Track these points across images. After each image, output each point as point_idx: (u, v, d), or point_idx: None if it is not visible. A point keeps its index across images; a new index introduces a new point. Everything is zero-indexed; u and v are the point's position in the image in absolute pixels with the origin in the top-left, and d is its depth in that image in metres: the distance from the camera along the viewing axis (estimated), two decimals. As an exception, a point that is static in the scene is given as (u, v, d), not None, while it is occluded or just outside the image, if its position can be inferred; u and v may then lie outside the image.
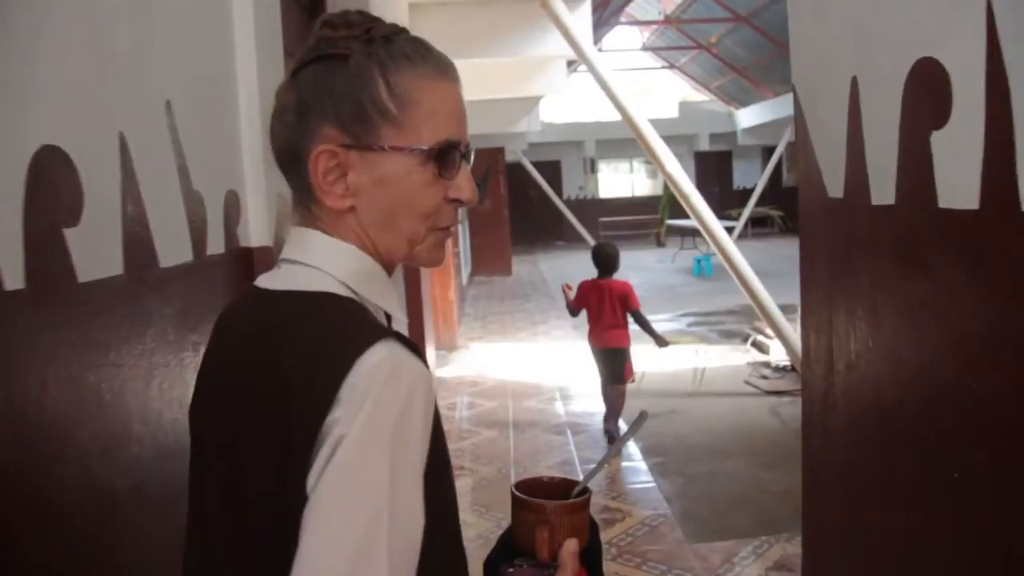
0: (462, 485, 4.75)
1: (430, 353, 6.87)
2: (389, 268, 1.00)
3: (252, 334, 0.92)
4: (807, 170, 2.16)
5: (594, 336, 5.47)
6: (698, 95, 23.81)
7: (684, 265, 15.56)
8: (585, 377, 7.02)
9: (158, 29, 1.64)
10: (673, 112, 23.65)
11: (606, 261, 5.49)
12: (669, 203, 18.97)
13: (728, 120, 22.87)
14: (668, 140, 6.56)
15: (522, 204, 20.90)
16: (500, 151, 15.54)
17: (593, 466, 1.18)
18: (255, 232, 2.11)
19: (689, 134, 22.81)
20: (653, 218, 21.26)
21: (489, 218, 15.39)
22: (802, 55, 2.19)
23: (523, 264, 17.73)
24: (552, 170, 22.95)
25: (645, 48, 21.81)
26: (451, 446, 5.53)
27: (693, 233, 15.86)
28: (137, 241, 1.46)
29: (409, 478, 0.82)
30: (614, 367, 5.37)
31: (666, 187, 20.96)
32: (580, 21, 6.46)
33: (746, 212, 18.76)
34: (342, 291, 0.93)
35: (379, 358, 0.83)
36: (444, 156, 0.94)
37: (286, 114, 0.96)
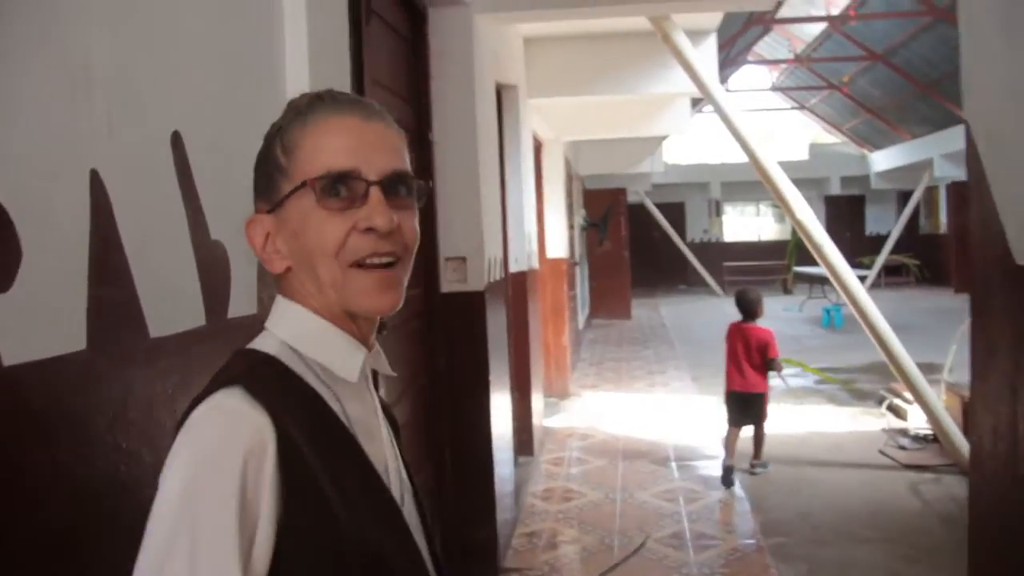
0: (564, 553, 4.38)
1: (537, 400, 6.55)
2: (347, 323, 0.97)
3: None
4: (983, 223, 1.77)
5: (734, 380, 5.67)
6: (829, 137, 22.90)
7: (812, 315, 14.73)
8: (703, 438, 6.56)
9: (164, 42, 1.39)
10: (803, 154, 22.82)
11: (749, 306, 5.71)
12: (797, 248, 18.17)
13: (861, 163, 21.87)
14: (797, 183, 6.12)
15: (644, 246, 20.46)
16: (622, 192, 15.21)
17: None
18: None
19: (819, 177, 21.89)
20: (780, 264, 20.41)
21: (609, 260, 15.04)
22: (981, 86, 1.79)
23: (643, 308, 17.24)
24: (676, 212, 22.44)
25: (774, 88, 21.15)
26: (555, 507, 5.39)
27: (822, 281, 15.05)
28: (112, 306, 1.20)
29: (207, 538, 0.78)
30: (756, 410, 5.63)
31: (794, 232, 20.13)
32: (705, 56, 6.09)
33: (880, 260, 17.78)
34: (274, 349, 0.94)
35: (207, 407, 0.85)
36: (329, 187, 0.92)
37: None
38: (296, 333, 0.96)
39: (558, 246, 8.96)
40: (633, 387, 9.06)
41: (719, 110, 5.82)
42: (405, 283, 0.99)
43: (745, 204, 24.55)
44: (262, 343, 0.96)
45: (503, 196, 5.85)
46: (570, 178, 10.89)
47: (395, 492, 0.98)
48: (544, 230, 8.68)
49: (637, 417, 7.51)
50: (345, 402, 0.96)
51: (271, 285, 1.11)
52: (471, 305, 4.10)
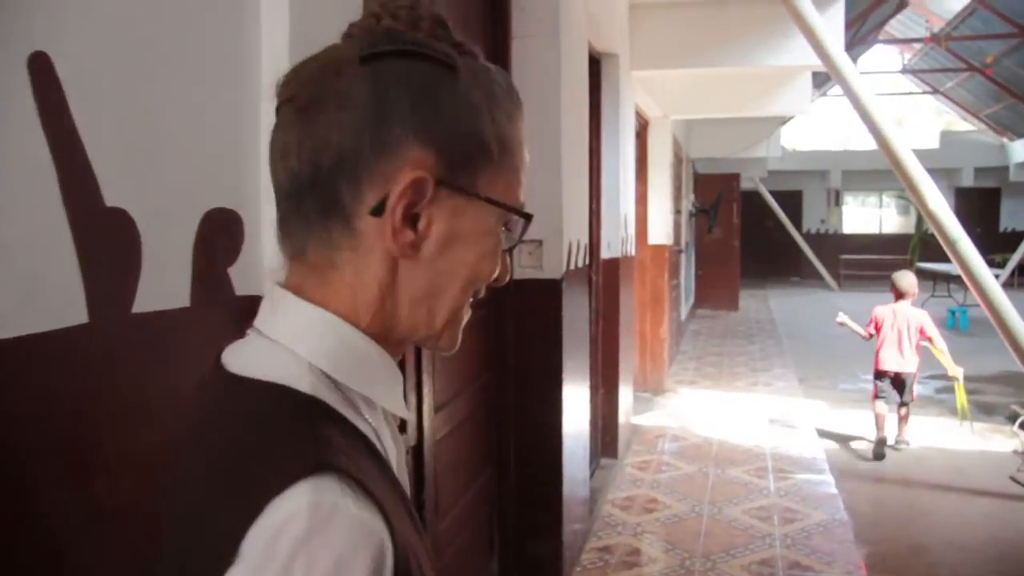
0: (637, 573, 3.94)
1: (625, 396, 6.09)
2: (395, 350, 0.76)
3: (187, 433, 0.72)
4: None
5: (890, 359, 5.97)
6: (963, 124, 21.37)
7: (935, 315, 13.69)
8: (806, 449, 5.97)
9: None
10: (933, 143, 21.33)
11: (907, 287, 6.05)
12: (921, 243, 17.00)
13: (999, 153, 20.31)
14: (927, 173, 5.41)
15: (756, 235, 19.57)
16: (735, 177, 14.47)
17: None
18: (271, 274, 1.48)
19: (951, 168, 20.39)
20: (901, 259, 19.14)
21: (718, 248, 14.37)
22: None
23: (752, 300, 16.47)
24: (792, 200, 21.37)
25: (905, 70, 19.77)
26: (634, 519, 4.91)
27: (948, 279, 13.98)
28: None
29: None
30: (908, 389, 6.01)
31: (919, 225, 18.97)
32: (831, 23, 5.43)
33: (1015, 258, 16.46)
34: (306, 381, 0.68)
35: (297, 507, 0.59)
36: (518, 220, 0.78)
37: (350, 113, 0.69)
38: (334, 355, 0.71)
39: (661, 232, 8.43)
40: (734, 385, 8.47)
41: (844, 85, 5.18)
42: None
43: (867, 194, 23.19)
44: (284, 372, 0.68)
45: (596, 176, 5.42)
46: (679, 160, 10.30)
47: None
48: (646, 215, 8.21)
49: (735, 419, 6.96)
50: (384, 440, 0.76)
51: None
52: (546, 294, 3.69)
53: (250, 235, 1.47)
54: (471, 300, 0.79)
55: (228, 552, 0.59)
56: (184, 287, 1.31)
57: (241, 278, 1.44)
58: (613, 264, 5.72)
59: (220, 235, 1.39)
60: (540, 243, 3.69)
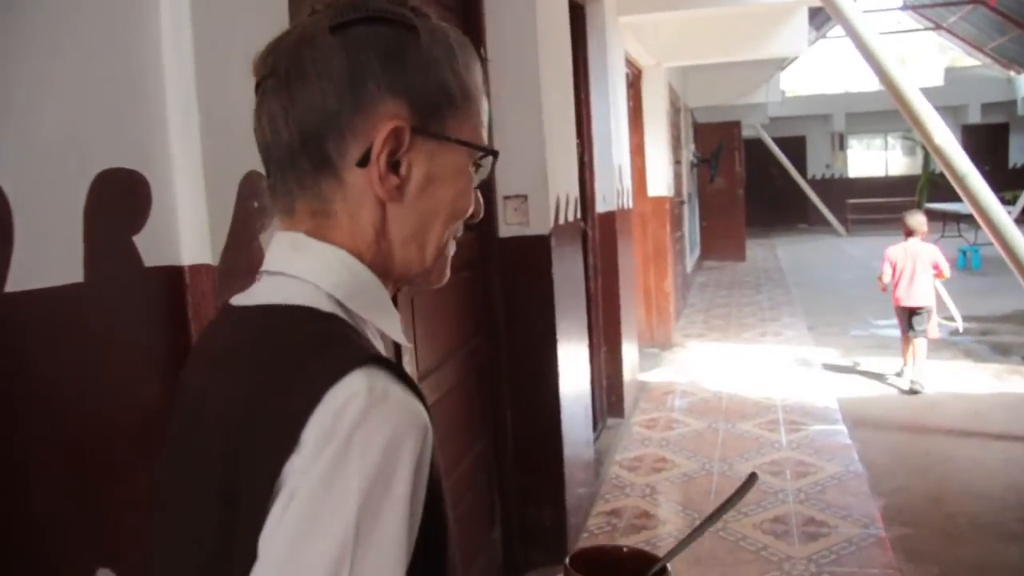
0: (646, 538, 3.80)
1: (629, 354, 5.93)
2: (388, 282, 0.84)
3: (214, 360, 0.80)
4: None
5: (903, 295, 6.13)
6: (968, 60, 20.89)
7: (944, 256, 13.47)
8: (818, 398, 5.81)
9: None
10: (937, 80, 20.86)
11: (917, 225, 6.23)
12: (929, 183, 16.70)
13: (1006, 87, 19.82)
14: (933, 110, 5.16)
15: (761, 183, 19.26)
16: (736, 125, 14.18)
17: (681, 540, 0.92)
18: (189, 242, 1.30)
19: (956, 105, 19.88)
20: (909, 200, 18.83)
21: (722, 198, 14.14)
22: None
23: (759, 249, 16.26)
24: (796, 146, 20.99)
25: (906, 7, 19.28)
26: (643, 479, 4.78)
27: (958, 219, 13.72)
28: None
29: (383, 556, 0.66)
30: (921, 322, 6.09)
31: (925, 166, 18.63)
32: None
33: (1026, 195, 16.17)
34: (326, 305, 0.77)
35: (354, 390, 0.68)
36: (486, 159, 0.86)
37: (328, 79, 0.77)
38: (348, 286, 0.80)
39: (661, 183, 8.21)
40: (742, 336, 8.30)
41: (843, 22, 4.94)
42: None
43: (872, 136, 22.77)
44: (309, 297, 0.77)
45: (586, 127, 5.21)
46: (676, 110, 10.03)
47: None
48: (644, 166, 7.99)
49: (745, 371, 6.79)
50: None
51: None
52: (534, 251, 3.51)
53: (161, 199, 1.30)
54: (453, 237, 0.86)
55: (290, 442, 0.66)
56: (76, 260, 1.14)
57: (150, 246, 1.27)
58: (609, 218, 5.53)
59: (119, 199, 1.22)
60: (525, 198, 3.51)
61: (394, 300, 0.85)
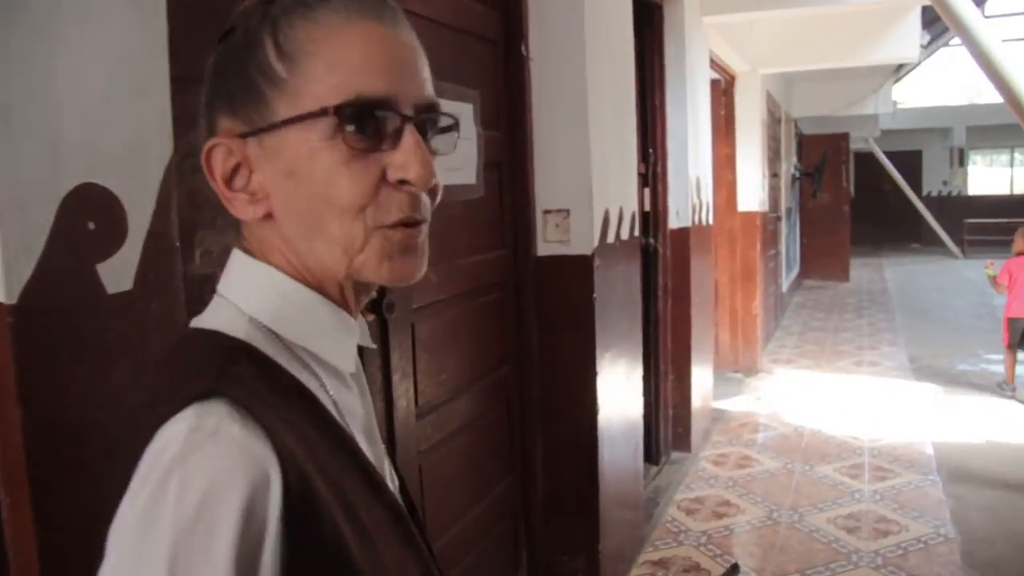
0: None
1: (701, 381, 5.48)
2: (333, 290, 0.75)
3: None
4: None
5: (1015, 307, 6.35)
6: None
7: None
8: (911, 442, 5.24)
9: None
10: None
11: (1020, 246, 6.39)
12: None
13: None
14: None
15: (870, 199, 18.29)
16: (843, 137, 13.40)
17: None
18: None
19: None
20: (1037, 222, 17.57)
21: (826, 214, 13.38)
22: None
23: (864, 269, 15.37)
24: (911, 161, 19.82)
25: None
26: (701, 525, 4.17)
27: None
28: None
29: None
30: None
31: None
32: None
33: None
34: (240, 330, 0.71)
35: (179, 427, 0.62)
36: (358, 118, 0.68)
37: (198, 119, 0.76)
38: (271, 306, 0.73)
39: (753, 198, 7.71)
40: (835, 365, 7.69)
41: (954, 23, 4.39)
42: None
43: (996, 152, 21.38)
44: (224, 321, 0.72)
45: (660, 137, 4.82)
46: (776, 120, 9.46)
47: None
48: (735, 180, 7.51)
49: (833, 405, 6.23)
50: (336, 395, 0.75)
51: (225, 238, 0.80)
52: (574, 272, 3.16)
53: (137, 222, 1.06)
54: (398, 221, 0.71)
55: (129, 478, 0.62)
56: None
57: (113, 277, 1.03)
58: (683, 234, 5.11)
59: (91, 220, 0.99)
60: (567, 213, 3.16)
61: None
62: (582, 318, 3.17)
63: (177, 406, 0.62)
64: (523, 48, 3.04)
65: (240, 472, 0.60)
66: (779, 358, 8.09)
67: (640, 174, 4.71)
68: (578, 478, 3.25)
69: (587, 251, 3.15)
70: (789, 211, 11.07)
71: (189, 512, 0.58)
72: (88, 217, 1.10)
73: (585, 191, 3.14)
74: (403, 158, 0.69)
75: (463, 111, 2.68)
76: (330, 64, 0.69)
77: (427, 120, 0.73)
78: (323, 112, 0.68)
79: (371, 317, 2.12)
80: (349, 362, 0.76)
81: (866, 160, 17.13)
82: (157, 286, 1.19)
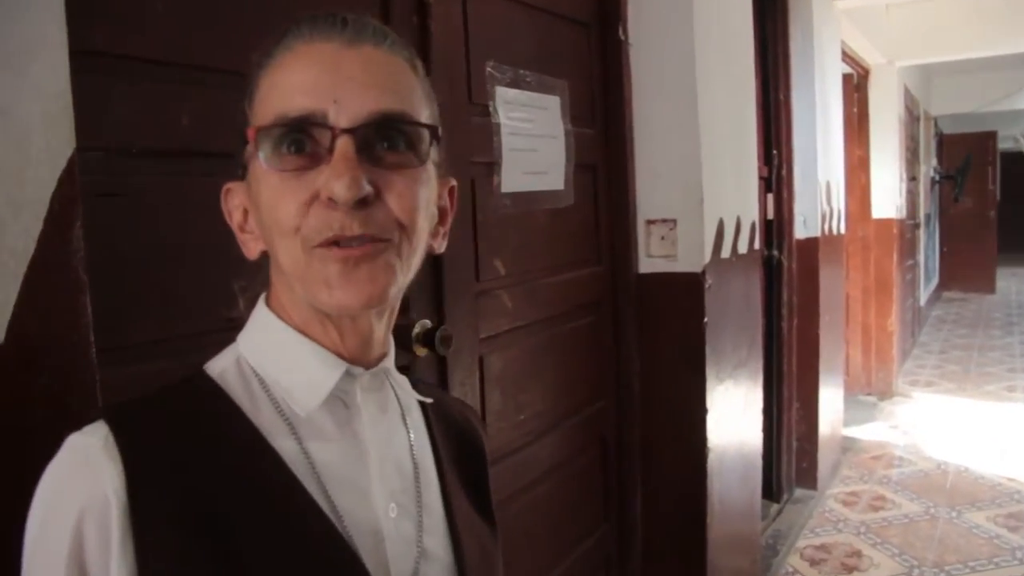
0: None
1: (831, 408, 4.91)
2: (323, 331, 0.76)
3: None
4: None
5: None
6: None
7: None
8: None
9: None
10: None
11: None
12: None
13: None
14: None
15: (1019, 204, 16.86)
16: (990, 136, 12.33)
17: None
18: None
19: None
20: None
21: (968, 220, 12.35)
22: None
23: (1014, 280, 14.15)
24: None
25: None
26: (827, 567, 3.83)
27: None
28: None
29: None
30: None
31: None
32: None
33: None
34: (220, 366, 0.77)
35: (64, 445, 0.69)
36: (280, 139, 0.69)
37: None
38: (257, 346, 0.78)
39: (889, 203, 7.03)
40: (983, 390, 6.90)
41: None
42: (399, 271, 0.72)
43: None
44: (220, 358, 0.79)
45: (785, 137, 4.32)
46: (914, 118, 8.67)
47: (399, 568, 0.77)
48: (868, 184, 6.87)
49: (983, 437, 5.52)
50: (311, 442, 0.75)
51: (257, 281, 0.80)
52: (681, 292, 2.72)
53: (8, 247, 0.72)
54: (325, 240, 0.69)
55: None
56: None
57: None
58: (811, 244, 4.57)
59: None
60: (674, 223, 2.73)
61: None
62: (691, 345, 2.73)
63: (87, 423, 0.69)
64: (620, 32, 2.62)
65: (77, 489, 0.65)
66: (917, 380, 7.35)
67: (762, 178, 4.22)
68: (683, 524, 2.81)
69: (697, 268, 2.71)
70: (928, 217, 10.19)
71: (39, 509, 0.68)
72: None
73: (695, 198, 2.69)
74: (328, 174, 0.68)
75: (548, 104, 2.29)
76: (266, 93, 0.72)
77: (381, 131, 0.70)
78: (246, 139, 0.72)
79: (423, 352, 1.75)
80: (307, 404, 0.75)
81: (1015, 160, 15.81)
82: (45, 340, 0.86)
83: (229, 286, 1.30)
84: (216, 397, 0.73)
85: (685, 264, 2.71)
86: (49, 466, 0.68)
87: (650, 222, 2.76)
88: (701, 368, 2.73)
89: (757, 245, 3.35)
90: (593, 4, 2.59)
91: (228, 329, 1.31)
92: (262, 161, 0.70)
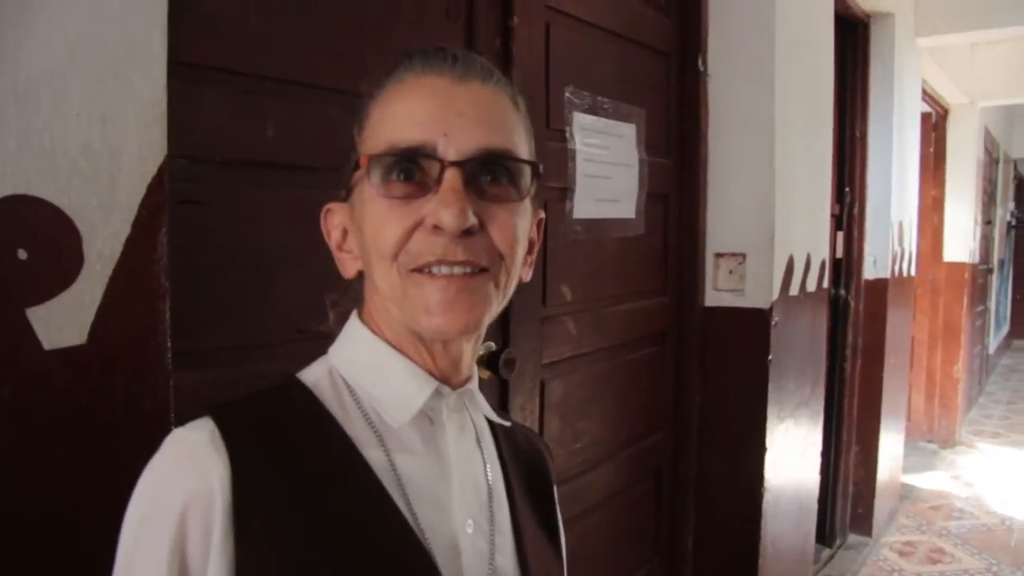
0: None
1: (890, 454, 4.78)
2: (416, 349, 0.79)
3: None
4: None
5: None
6: None
7: None
8: None
9: None
10: None
11: None
12: None
13: None
14: None
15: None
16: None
17: None
18: None
19: None
20: None
21: (1044, 267, 11.97)
22: None
23: (1087, 331, 13.65)
24: None
25: None
26: None
27: None
28: None
29: None
30: None
31: None
32: None
33: None
34: (314, 376, 0.80)
35: (169, 437, 0.72)
36: (391, 167, 0.73)
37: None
38: (351, 360, 0.81)
39: (961, 247, 6.86)
40: (1052, 443, 6.67)
41: None
42: (495, 301, 0.76)
43: None
44: (312, 368, 0.82)
45: (859, 173, 4.24)
46: (992, 160, 8.45)
47: None
48: (941, 226, 6.71)
49: (1049, 494, 5.34)
50: (398, 455, 0.77)
51: (349, 297, 0.84)
52: (747, 328, 2.68)
53: (98, 251, 0.76)
54: (424, 264, 0.72)
55: None
56: None
57: (54, 326, 0.79)
58: (880, 286, 4.46)
59: (23, 247, 0.70)
60: (743, 257, 2.69)
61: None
62: (754, 382, 2.69)
63: (190, 418, 0.72)
64: (700, 62, 2.60)
65: (184, 480, 0.67)
66: (982, 430, 7.12)
67: (833, 215, 4.15)
68: (735, 563, 2.75)
69: (765, 304, 2.66)
70: (1002, 263, 9.91)
71: (144, 498, 0.69)
72: (18, 242, 0.78)
73: (766, 233, 2.65)
74: (435, 203, 0.71)
75: (624, 132, 2.28)
76: (379, 121, 0.75)
77: (485, 166, 0.73)
78: (358, 165, 0.75)
79: (486, 375, 1.74)
80: (401, 417, 0.77)
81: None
82: (125, 342, 0.87)
83: (300, 298, 1.31)
84: (311, 405, 0.76)
85: (752, 299, 2.67)
86: (153, 458, 0.70)
87: (719, 255, 2.72)
88: (763, 406, 2.68)
89: (826, 284, 3.29)
90: (674, 34, 2.57)
91: (296, 340, 1.33)
92: (371, 186, 0.73)
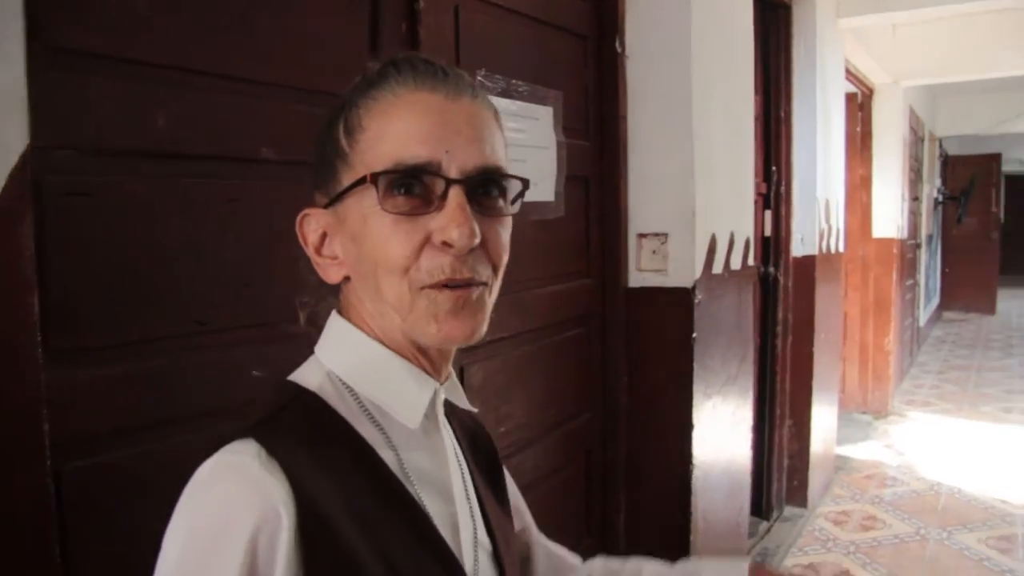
0: None
1: (823, 427, 4.88)
2: (413, 352, 0.83)
3: None
4: None
5: None
6: None
7: None
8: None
9: None
10: None
11: None
12: None
13: None
14: None
15: (1022, 226, 16.84)
16: (994, 158, 12.33)
17: None
18: None
19: None
20: None
21: (970, 241, 12.33)
22: None
23: (1015, 302, 14.10)
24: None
25: None
26: None
27: None
28: None
29: None
30: None
31: None
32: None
33: None
34: (316, 382, 0.81)
35: (213, 464, 0.71)
36: (397, 184, 0.76)
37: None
38: (348, 363, 0.83)
39: (889, 223, 7.01)
40: (979, 411, 6.87)
41: None
42: (490, 307, 0.81)
43: None
44: (306, 373, 0.83)
45: (784, 153, 4.30)
46: (918, 139, 8.66)
47: (468, 559, 0.85)
48: (869, 203, 6.85)
49: (977, 459, 5.49)
50: (404, 451, 0.82)
51: (319, 297, 0.87)
52: (670, 308, 2.70)
53: None
54: (432, 282, 0.76)
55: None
56: None
57: None
58: (808, 263, 4.55)
59: None
60: (665, 237, 2.72)
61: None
62: (679, 361, 2.72)
63: (221, 442, 0.72)
64: (618, 44, 2.62)
65: (249, 505, 0.68)
66: (914, 400, 7.32)
67: (760, 195, 4.21)
68: (667, 540, 2.78)
69: (688, 283, 2.69)
70: (930, 238, 10.17)
71: (201, 530, 0.68)
72: None
73: (687, 213, 2.68)
74: (444, 221, 0.75)
75: (540, 114, 2.28)
76: (378, 136, 0.77)
77: (483, 183, 0.78)
78: (364, 180, 0.76)
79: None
80: (414, 418, 0.82)
81: (1020, 183, 15.80)
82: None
83: (199, 289, 1.29)
84: (327, 412, 0.79)
85: (675, 279, 2.70)
86: (201, 484, 0.70)
87: (641, 236, 2.74)
88: (688, 383, 2.71)
89: (751, 262, 3.34)
90: (591, 16, 2.58)
91: (196, 333, 1.31)
92: (376, 202, 0.75)
